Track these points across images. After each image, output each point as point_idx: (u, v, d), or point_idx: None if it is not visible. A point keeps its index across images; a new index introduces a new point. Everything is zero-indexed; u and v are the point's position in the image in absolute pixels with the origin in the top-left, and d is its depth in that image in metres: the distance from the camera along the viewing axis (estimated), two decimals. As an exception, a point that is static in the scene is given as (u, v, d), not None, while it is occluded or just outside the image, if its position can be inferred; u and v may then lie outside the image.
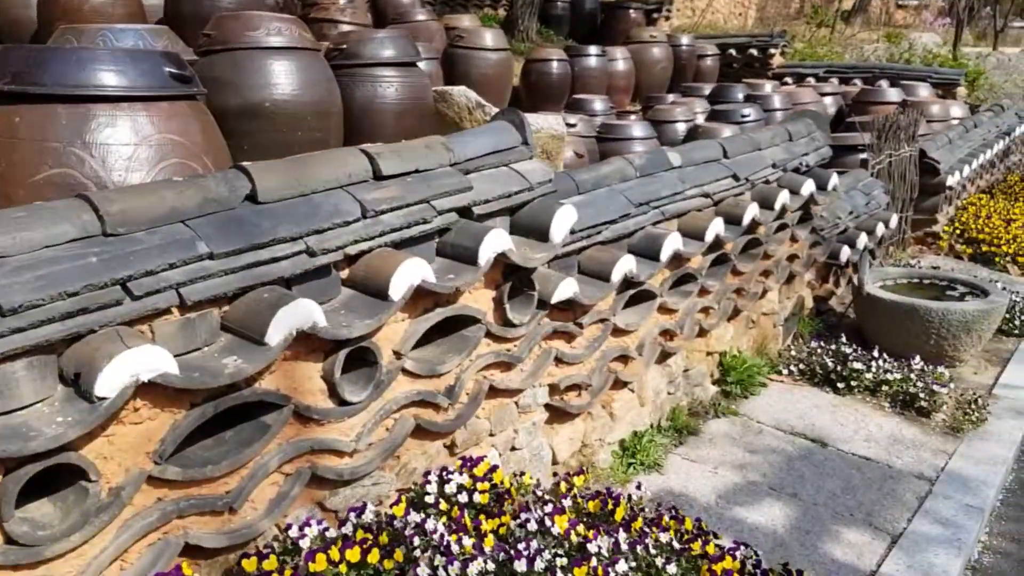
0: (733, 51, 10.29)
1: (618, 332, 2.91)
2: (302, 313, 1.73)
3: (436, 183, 2.16)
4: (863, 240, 4.68)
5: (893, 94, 8.13)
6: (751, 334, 3.93)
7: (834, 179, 4.15)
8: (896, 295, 4.05)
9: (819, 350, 3.94)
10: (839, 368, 3.74)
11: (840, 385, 3.70)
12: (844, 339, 4.04)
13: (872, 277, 4.41)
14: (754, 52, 10.11)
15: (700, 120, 7.36)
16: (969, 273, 5.52)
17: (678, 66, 9.60)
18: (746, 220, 3.43)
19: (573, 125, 6.39)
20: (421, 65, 7.08)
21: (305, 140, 3.86)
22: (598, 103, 7.46)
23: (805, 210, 4.09)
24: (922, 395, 3.52)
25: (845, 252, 4.50)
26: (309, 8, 8.17)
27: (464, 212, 2.26)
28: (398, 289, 1.93)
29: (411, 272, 1.96)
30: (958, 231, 5.99)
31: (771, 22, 13.59)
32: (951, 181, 5.88)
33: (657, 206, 3.09)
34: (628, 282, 2.86)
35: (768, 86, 8.37)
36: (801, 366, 3.88)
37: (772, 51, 9.99)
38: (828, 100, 8.57)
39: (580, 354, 2.73)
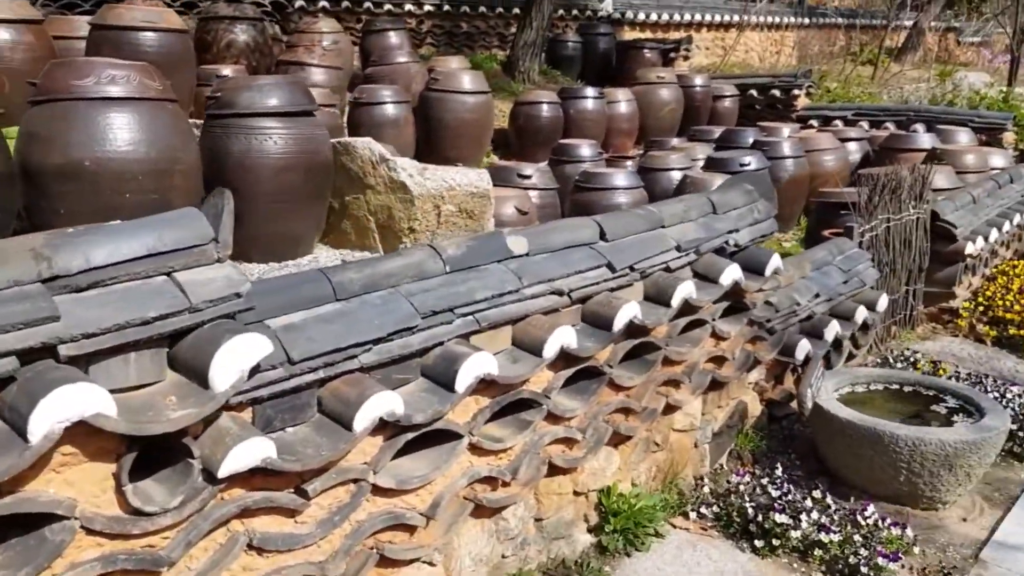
0: (754, 92, 9.38)
1: (385, 492, 2.11)
2: None
3: (-25, 316, 1.43)
4: (833, 329, 3.74)
5: (925, 140, 7.13)
6: (655, 459, 3.05)
7: (775, 261, 3.25)
8: (855, 412, 3.09)
9: (741, 487, 3.00)
10: (760, 517, 2.81)
11: (759, 543, 2.76)
12: (781, 468, 3.10)
13: (837, 381, 3.45)
14: (776, 93, 9.18)
15: (698, 169, 6.52)
16: (988, 364, 4.48)
17: (691, 108, 8.82)
18: (619, 323, 2.59)
19: (528, 176, 5.64)
20: (393, 109, 6.51)
21: (135, 203, 3.27)
22: (585, 148, 6.69)
23: (736, 300, 3.20)
24: (865, 568, 2.57)
25: (804, 347, 3.56)
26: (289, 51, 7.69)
27: (48, 353, 1.53)
28: None
29: None
30: (981, 307, 4.93)
31: (812, 61, 12.55)
32: (972, 249, 4.83)
33: (468, 312, 2.28)
34: (397, 424, 2.06)
35: (786, 130, 7.46)
36: (716, 508, 2.96)
37: (796, 91, 9.04)
38: (852, 146, 7.61)
39: (307, 534, 1.93)
